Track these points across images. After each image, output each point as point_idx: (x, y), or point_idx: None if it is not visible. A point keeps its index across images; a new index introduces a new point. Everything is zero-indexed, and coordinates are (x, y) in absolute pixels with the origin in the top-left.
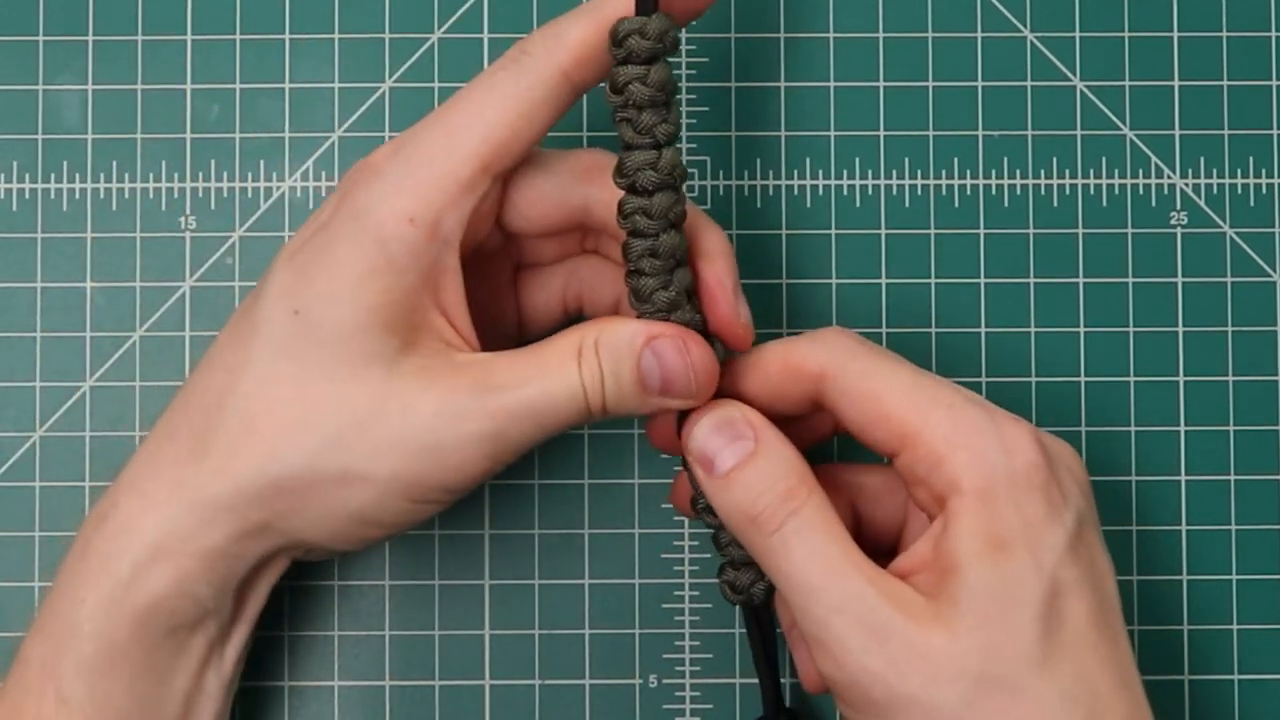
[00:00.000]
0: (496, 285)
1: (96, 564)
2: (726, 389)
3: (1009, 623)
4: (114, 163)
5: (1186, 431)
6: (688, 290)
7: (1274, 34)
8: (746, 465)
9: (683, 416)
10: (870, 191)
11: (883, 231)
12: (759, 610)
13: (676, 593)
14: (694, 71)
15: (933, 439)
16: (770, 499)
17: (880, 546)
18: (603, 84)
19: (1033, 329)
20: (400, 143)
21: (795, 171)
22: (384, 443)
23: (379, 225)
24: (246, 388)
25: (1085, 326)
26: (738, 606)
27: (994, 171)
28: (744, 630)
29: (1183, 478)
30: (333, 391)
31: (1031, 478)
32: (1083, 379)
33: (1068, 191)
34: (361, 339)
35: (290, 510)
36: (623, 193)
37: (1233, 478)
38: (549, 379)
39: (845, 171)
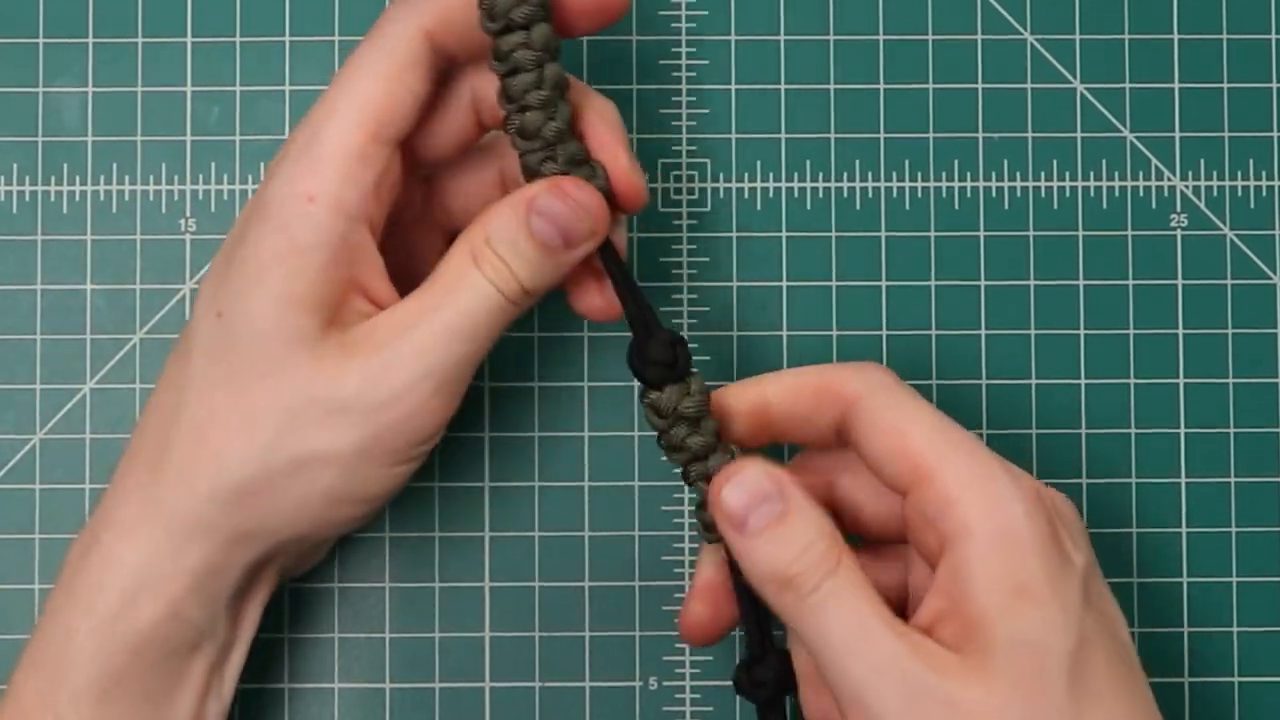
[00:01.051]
0: (432, 251)
1: (84, 596)
2: (761, 403)
3: (1042, 675)
4: (114, 165)
5: (1187, 433)
6: (570, 124)
7: (1274, 36)
8: (779, 526)
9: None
10: (870, 194)
11: (883, 234)
12: None
13: (676, 595)
14: (694, 74)
15: (946, 479)
16: (806, 561)
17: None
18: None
19: (1033, 331)
20: (292, 134)
21: (795, 174)
22: (326, 420)
23: (280, 210)
24: (189, 400)
25: (1085, 329)
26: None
27: (994, 174)
28: (744, 632)
29: (1183, 479)
30: (264, 386)
31: (1043, 526)
32: (1083, 381)
33: (1068, 194)
34: (279, 326)
35: (261, 512)
36: None
37: (1233, 479)
38: (457, 295)
39: (845, 174)
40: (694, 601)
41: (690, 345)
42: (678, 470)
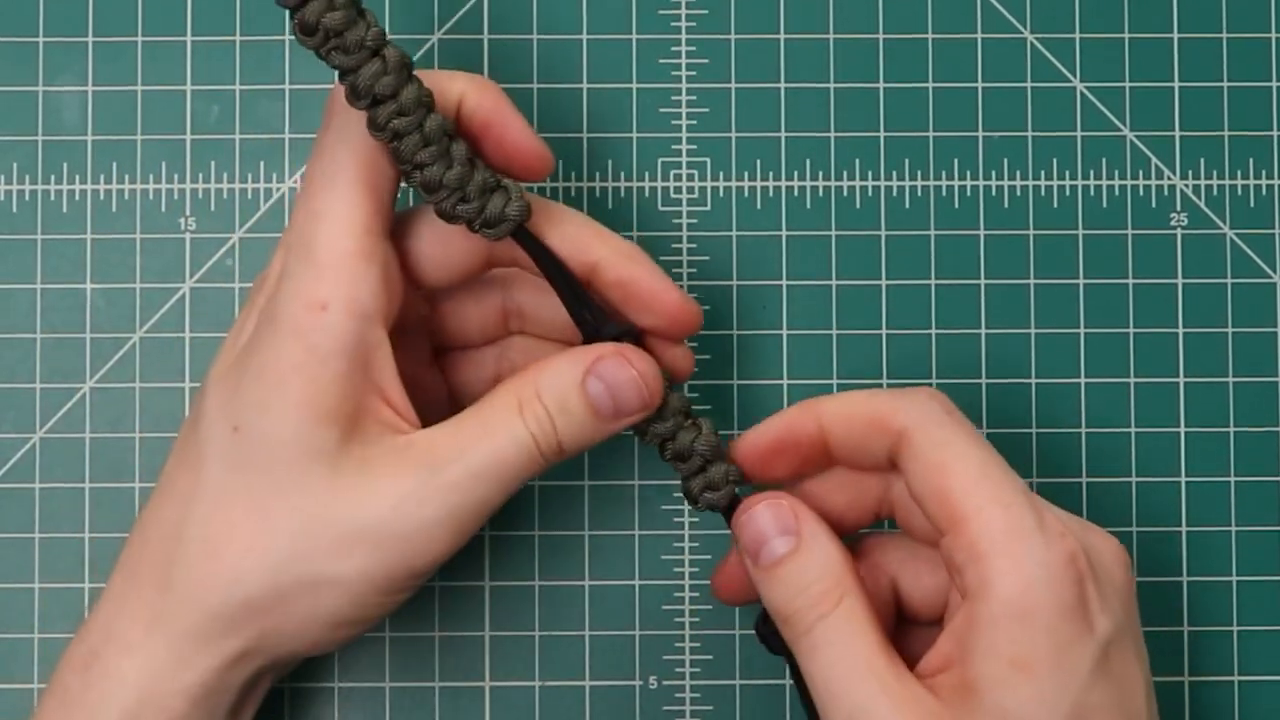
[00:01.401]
0: (419, 364)
1: (82, 714)
2: (812, 430)
3: None
4: (114, 164)
5: (1186, 432)
6: (470, 158)
7: (1274, 35)
8: (786, 562)
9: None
10: (870, 193)
11: (883, 232)
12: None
13: (677, 594)
14: (694, 72)
15: (978, 531)
16: (804, 601)
17: (923, 617)
18: None
19: (1033, 330)
20: (284, 243)
21: (795, 173)
22: (341, 544)
23: (294, 320)
24: (201, 514)
25: (1085, 327)
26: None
27: (994, 172)
28: (745, 632)
29: (1183, 478)
30: (282, 502)
31: (1067, 593)
32: (1083, 380)
33: (1068, 192)
34: (298, 439)
35: (266, 630)
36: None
37: (1233, 479)
38: (495, 439)
39: (845, 172)
40: (729, 563)
41: (690, 344)
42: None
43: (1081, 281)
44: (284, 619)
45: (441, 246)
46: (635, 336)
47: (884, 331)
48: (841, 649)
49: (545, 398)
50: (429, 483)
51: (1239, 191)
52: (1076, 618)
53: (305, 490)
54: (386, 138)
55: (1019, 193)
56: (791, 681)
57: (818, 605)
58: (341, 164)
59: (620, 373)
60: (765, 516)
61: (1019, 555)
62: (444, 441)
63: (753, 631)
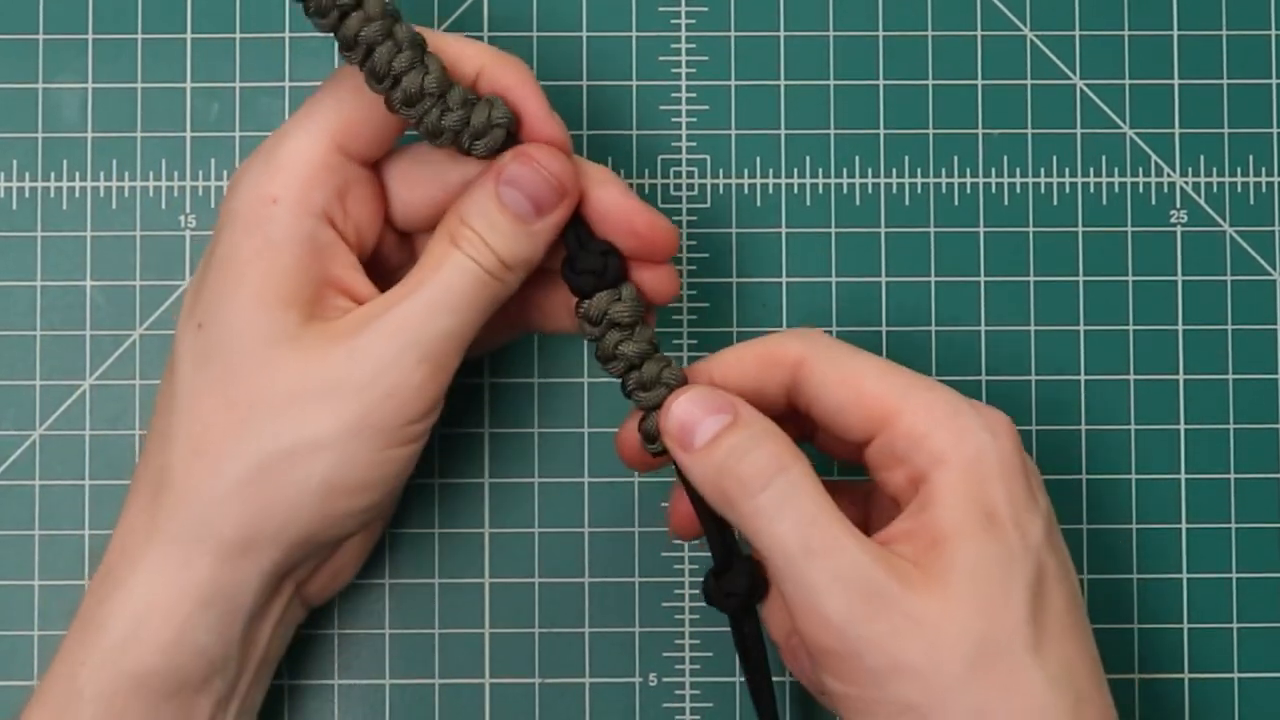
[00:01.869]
0: None
1: (93, 627)
2: (709, 383)
3: (1005, 596)
4: (114, 161)
5: (1186, 430)
6: (446, 72)
7: (1274, 33)
8: (728, 433)
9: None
10: (870, 190)
11: (882, 230)
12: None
13: (677, 591)
14: (694, 69)
15: (915, 416)
16: (757, 458)
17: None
18: None
19: (1032, 327)
20: (258, 146)
21: (795, 170)
22: (313, 406)
23: (248, 213)
24: (181, 415)
25: (1085, 325)
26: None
27: (994, 170)
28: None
29: (1182, 476)
30: (252, 384)
31: (1015, 459)
32: (1082, 377)
33: (1068, 190)
34: (259, 324)
35: (260, 509)
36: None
37: (1233, 476)
38: (438, 272)
39: (845, 170)
40: (678, 500)
41: (690, 341)
42: (617, 380)
43: (1081, 279)
44: (275, 495)
45: (414, 187)
46: (617, 257)
47: (884, 329)
48: (811, 506)
49: (470, 221)
50: (382, 326)
51: (1239, 189)
52: (1025, 484)
53: (274, 369)
54: (359, 56)
55: (1019, 190)
56: (743, 667)
57: (772, 463)
58: (320, 104)
59: (526, 172)
60: (690, 402)
61: (963, 427)
62: (394, 292)
63: (701, 595)
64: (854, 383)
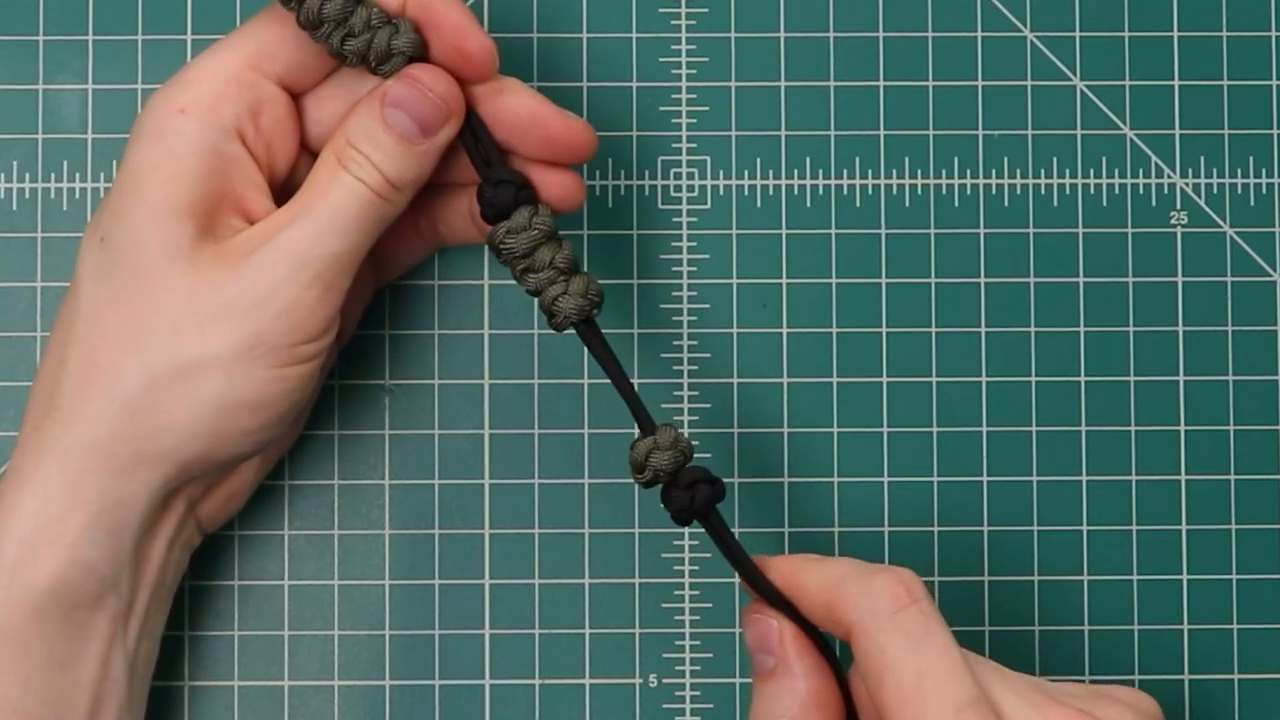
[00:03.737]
0: None
1: None
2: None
3: None
4: (114, 162)
5: (1186, 431)
6: (374, 23)
7: (1274, 34)
8: (763, 680)
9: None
10: (870, 191)
11: (883, 231)
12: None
13: (677, 592)
14: (694, 70)
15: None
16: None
17: None
18: None
19: (1032, 329)
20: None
21: (795, 171)
22: (206, 324)
23: (155, 123)
24: (79, 330)
25: (1085, 326)
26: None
27: (994, 171)
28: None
29: (1183, 477)
30: (147, 298)
31: None
32: (1082, 378)
33: (1068, 191)
34: (155, 237)
35: (152, 427)
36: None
37: (1233, 477)
38: (327, 194)
39: (845, 171)
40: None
41: (691, 343)
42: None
43: (1081, 280)
44: (168, 413)
45: (324, 104)
46: (524, 182)
47: (884, 330)
48: None
49: (356, 143)
50: (272, 247)
51: (1239, 190)
52: None
53: (166, 284)
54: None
55: (1019, 191)
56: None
57: None
58: (241, 28)
59: (411, 94)
60: (751, 630)
61: None
62: (283, 213)
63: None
64: (878, 686)
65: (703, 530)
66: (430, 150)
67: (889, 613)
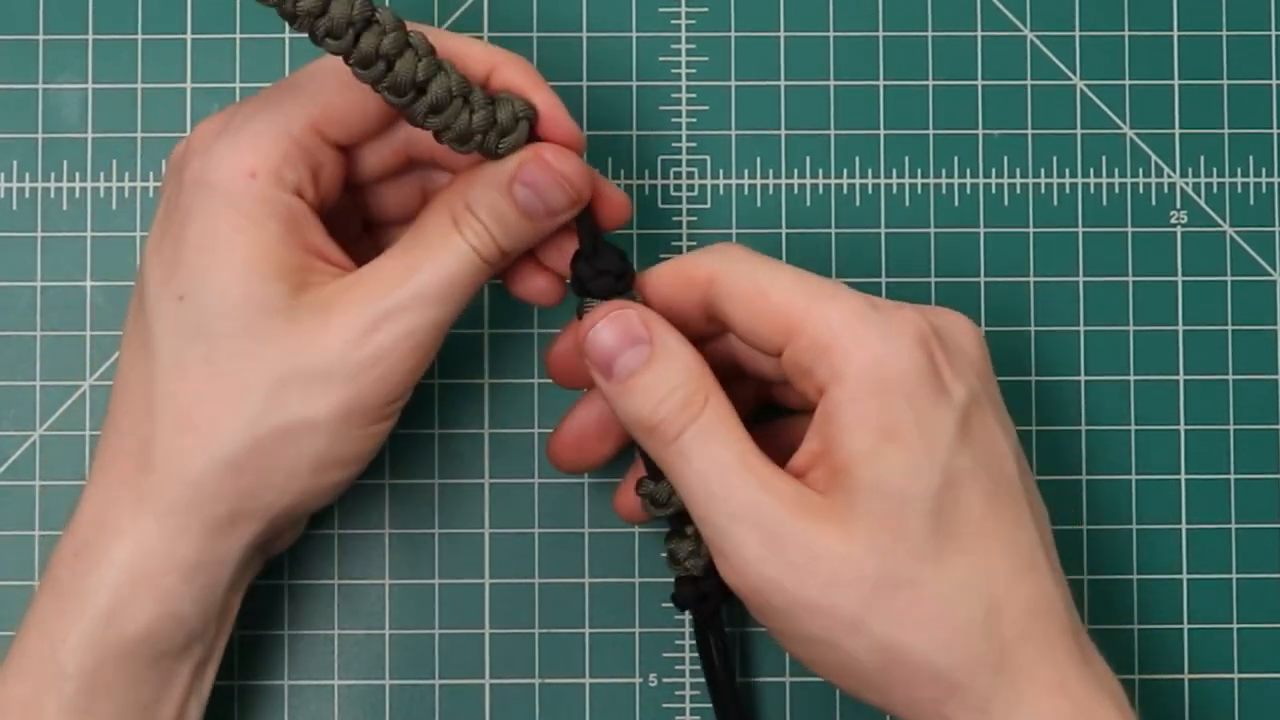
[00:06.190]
0: (346, 240)
1: (74, 601)
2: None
3: (902, 519)
4: (114, 161)
5: (1186, 430)
6: (487, 99)
7: (1274, 33)
8: (644, 371)
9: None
10: (870, 190)
11: (882, 230)
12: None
13: None
14: (694, 70)
15: (816, 327)
16: (669, 407)
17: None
18: None
19: (1032, 328)
20: (228, 115)
21: (795, 170)
22: (310, 386)
23: (225, 186)
24: (165, 389)
25: (1085, 325)
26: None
27: (994, 170)
28: (743, 630)
29: (1183, 476)
30: (245, 360)
31: (917, 362)
32: (1082, 378)
33: (1068, 190)
34: (249, 298)
35: (252, 487)
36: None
37: (1232, 477)
38: (438, 258)
39: (845, 170)
40: (561, 339)
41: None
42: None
43: (1081, 279)
44: (268, 472)
45: (363, 149)
46: (630, 266)
47: None
48: (717, 450)
49: (477, 209)
50: (380, 309)
51: (1239, 189)
52: (932, 384)
53: (266, 343)
54: (379, 73)
55: (1019, 190)
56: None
57: (683, 411)
58: (300, 88)
59: (544, 176)
60: (609, 331)
61: (862, 335)
62: (390, 268)
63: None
64: (761, 295)
65: None
66: (550, 227)
67: (744, 252)
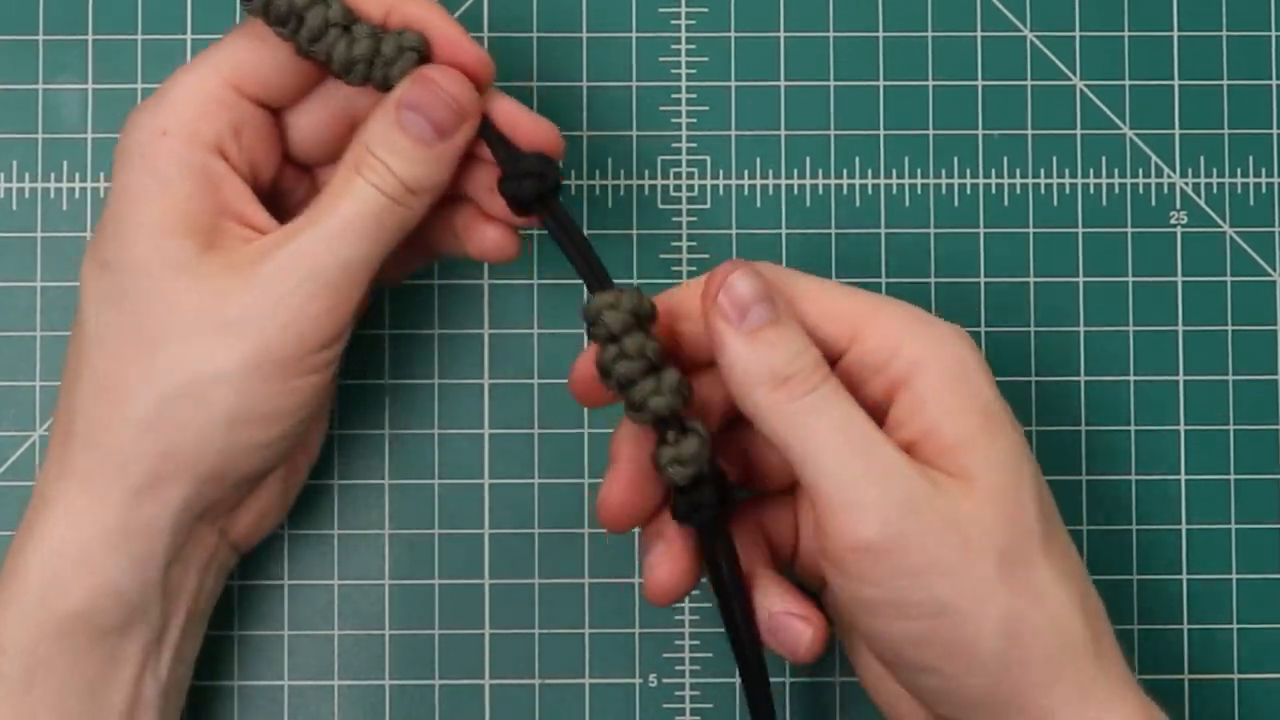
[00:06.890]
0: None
1: (11, 579)
2: (671, 331)
3: (1018, 495)
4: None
5: (1186, 431)
6: (372, 31)
7: (1274, 33)
8: (779, 325)
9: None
10: (870, 190)
11: (882, 230)
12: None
13: None
14: (693, 70)
15: (887, 326)
16: (805, 362)
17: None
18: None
19: (1033, 328)
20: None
21: (795, 170)
22: (215, 339)
23: (140, 149)
24: (90, 357)
25: (1085, 325)
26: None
27: (994, 171)
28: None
29: (1183, 477)
30: (154, 316)
31: (978, 360)
32: (1082, 378)
33: (1068, 191)
34: (157, 255)
35: (168, 447)
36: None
37: (1232, 477)
38: (339, 202)
39: (845, 170)
40: (614, 484)
41: None
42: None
43: (1081, 280)
44: (180, 430)
45: (302, 119)
46: (554, 163)
47: None
48: (850, 410)
49: (373, 148)
50: (281, 257)
51: (1239, 189)
52: (991, 380)
53: (173, 301)
54: (260, 3)
55: (1019, 191)
56: (724, 620)
57: (816, 369)
58: (215, 46)
59: (425, 95)
60: (747, 282)
61: (935, 334)
62: (297, 223)
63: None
64: (819, 299)
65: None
66: (447, 152)
67: (783, 269)
